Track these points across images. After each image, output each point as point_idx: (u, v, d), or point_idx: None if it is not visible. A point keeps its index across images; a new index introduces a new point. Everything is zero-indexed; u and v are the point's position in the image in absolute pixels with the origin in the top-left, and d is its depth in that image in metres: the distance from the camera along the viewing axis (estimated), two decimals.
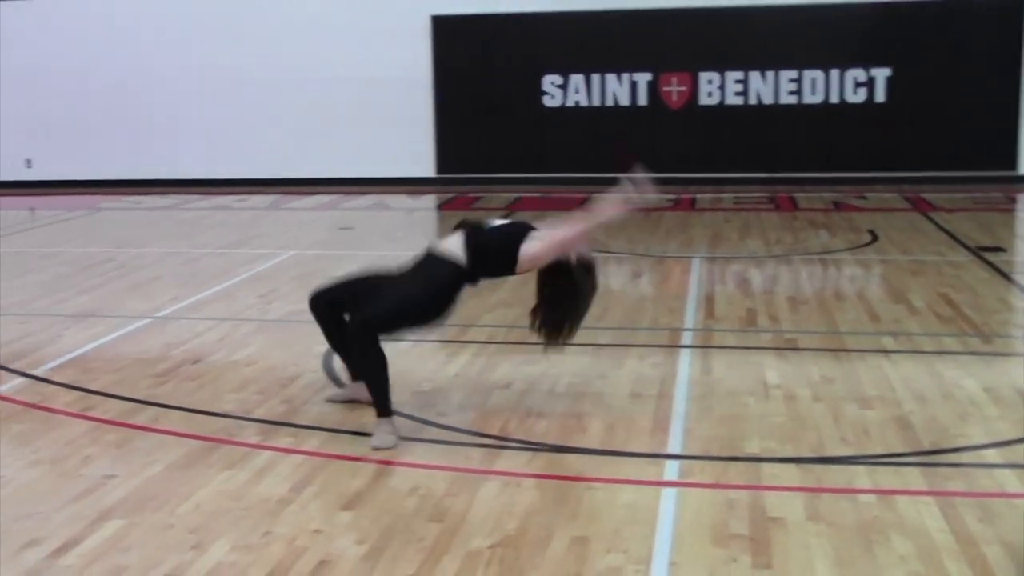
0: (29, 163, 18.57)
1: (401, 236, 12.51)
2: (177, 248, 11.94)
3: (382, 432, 5.58)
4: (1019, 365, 6.97)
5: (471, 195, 15.96)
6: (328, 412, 6.14)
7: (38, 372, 7.13)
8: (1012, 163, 15.99)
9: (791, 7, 15.98)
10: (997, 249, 10.85)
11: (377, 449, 5.49)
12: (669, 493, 4.87)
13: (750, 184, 16.09)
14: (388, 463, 5.33)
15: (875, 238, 11.68)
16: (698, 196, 15.27)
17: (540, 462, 5.31)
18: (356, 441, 5.64)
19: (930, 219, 12.92)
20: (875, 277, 9.86)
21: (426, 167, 17.03)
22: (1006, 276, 9.65)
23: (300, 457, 5.44)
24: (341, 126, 16.89)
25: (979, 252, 10.64)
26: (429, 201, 15.74)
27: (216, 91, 17.58)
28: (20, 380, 6.98)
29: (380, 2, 16.90)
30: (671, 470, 5.18)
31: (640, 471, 5.16)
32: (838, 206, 14.21)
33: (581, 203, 14.58)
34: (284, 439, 5.70)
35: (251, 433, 5.82)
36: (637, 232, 12.25)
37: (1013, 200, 14.76)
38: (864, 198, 14.90)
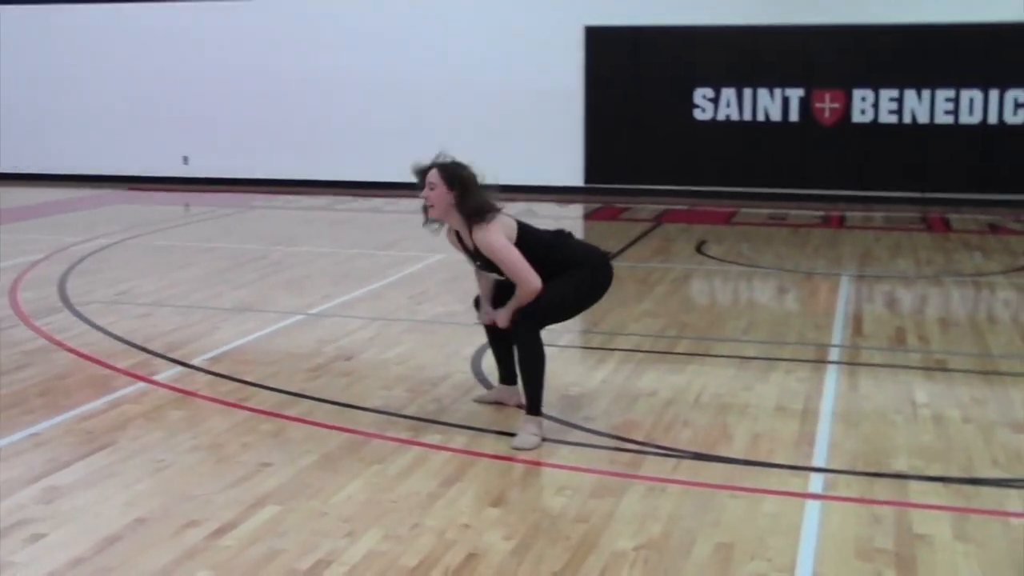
0: (186, 160, 19.15)
1: None
2: (329, 248, 12.23)
3: (527, 432, 5.69)
4: None
5: (617, 205, 16.01)
6: (476, 412, 6.26)
7: (195, 362, 7.40)
8: None
9: (948, 26, 15.68)
10: None
11: (518, 449, 5.59)
12: (813, 505, 4.88)
13: (902, 203, 15.84)
14: (535, 463, 5.43)
15: None
16: (848, 214, 15.10)
17: (684, 469, 5.35)
18: (503, 441, 5.75)
19: None
20: None
21: (575, 176, 17.13)
22: None
23: (448, 454, 5.57)
24: (493, 133, 17.07)
25: None
26: (576, 210, 15.83)
27: (372, 96, 17.91)
28: (178, 369, 7.25)
29: (534, 13, 17.07)
30: (816, 483, 5.19)
31: (784, 482, 5.17)
32: (994, 228, 13.92)
33: (728, 217, 14.57)
34: (433, 436, 5.84)
35: (401, 429, 5.97)
36: (785, 248, 12.20)
37: None
38: (1022, 221, 14.57)
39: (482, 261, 5.87)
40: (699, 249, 12.07)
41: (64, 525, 4.74)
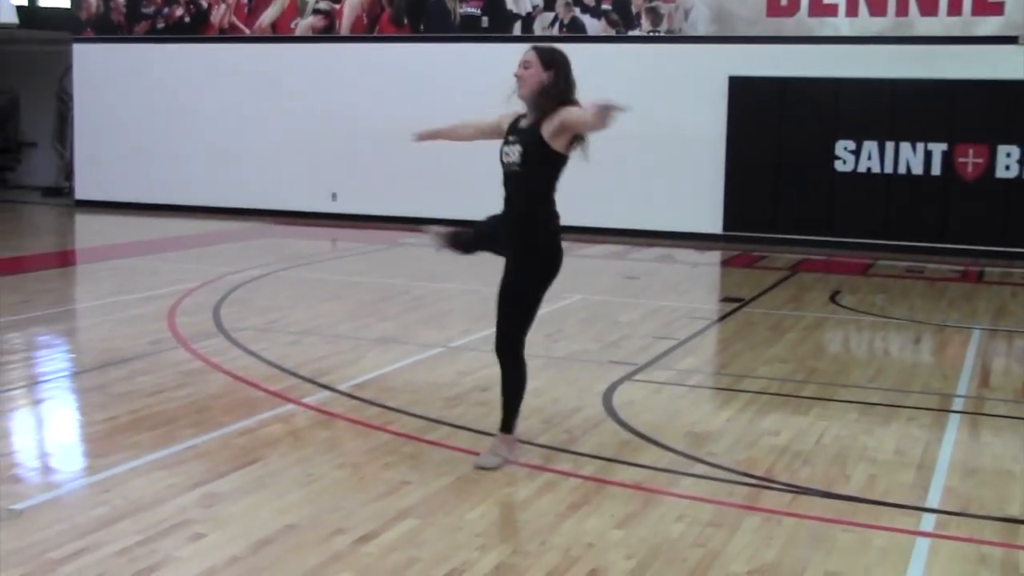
0: (334, 196, 19.83)
1: (685, 288, 12.90)
2: (472, 285, 12.65)
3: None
4: None
5: (755, 253, 16.20)
6: (605, 443, 6.57)
7: (342, 387, 7.85)
8: None
9: None
10: None
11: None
12: (922, 542, 5.11)
13: None
14: (658, 491, 5.73)
15: None
16: (986, 269, 15.07)
17: (801, 503, 5.61)
18: (631, 471, 6.06)
19: None
20: None
21: (714, 223, 17.36)
22: None
23: (577, 480, 5.90)
24: (634, 178, 17.41)
25: None
26: (714, 257, 16.06)
27: None
28: (326, 393, 7.70)
29: (682, 63, 17.37)
30: (927, 522, 5.40)
31: (895, 520, 5.40)
32: None
33: (865, 268, 14.67)
34: (564, 464, 6.18)
35: (533, 456, 6.32)
36: (920, 301, 12.29)
37: None
38: None
39: (524, 149, 5.93)
40: (833, 299, 12.23)
41: (222, 527, 5.17)
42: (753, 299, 11.93)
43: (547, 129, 5.86)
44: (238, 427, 6.81)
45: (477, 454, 6.27)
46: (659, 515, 5.39)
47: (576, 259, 15.46)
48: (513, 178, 6.04)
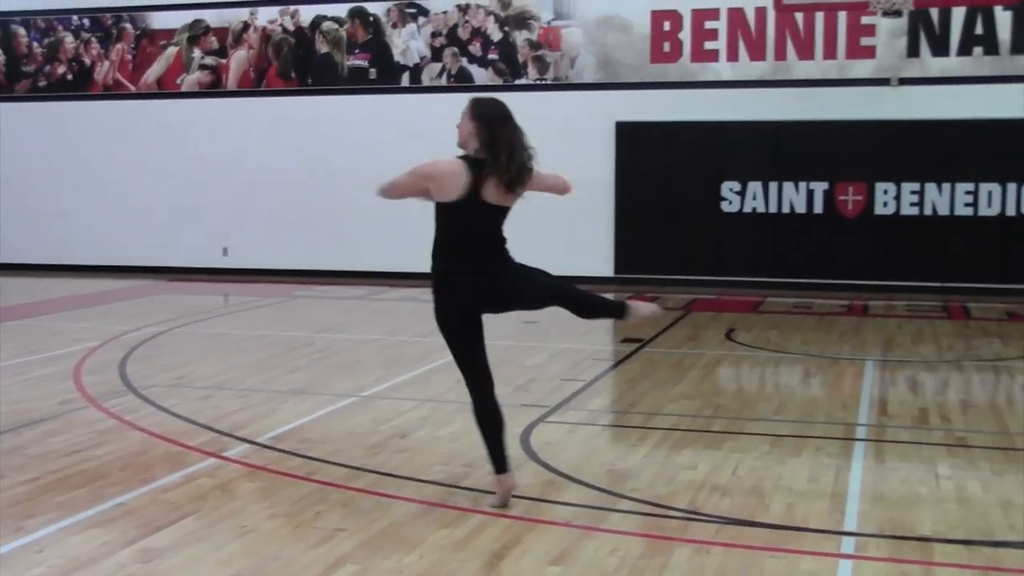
0: (225, 251, 19.77)
1: (584, 331, 13.11)
2: (374, 335, 12.78)
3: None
4: None
5: (648, 294, 16.52)
6: (531, 484, 6.73)
7: (261, 440, 7.90)
8: None
9: (967, 122, 16.30)
10: None
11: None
12: (846, 564, 5.36)
13: (923, 292, 16.34)
14: (587, 528, 5.90)
15: None
16: (871, 303, 15.60)
17: (727, 533, 5.83)
18: (557, 509, 6.23)
19: None
20: None
21: (606, 266, 17.68)
22: None
23: (508, 520, 6.06)
24: (525, 223, 17.57)
25: None
26: None
27: None
28: (246, 446, 7.75)
29: (569, 110, 17.67)
30: (847, 545, 5.66)
31: (818, 544, 5.65)
32: (1012, 316, 14.41)
33: (755, 306, 15.09)
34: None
35: (462, 499, 6.46)
36: (811, 335, 12.70)
37: None
38: None
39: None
40: (728, 336, 12.58)
41: None
42: (652, 339, 12.22)
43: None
44: (163, 483, 6.83)
45: (406, 500, 6.40)
46: (593, 550, 5.56)
47: None
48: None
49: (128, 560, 5.49)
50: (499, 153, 6.07)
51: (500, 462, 6.36)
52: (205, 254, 19.76)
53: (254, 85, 19.47)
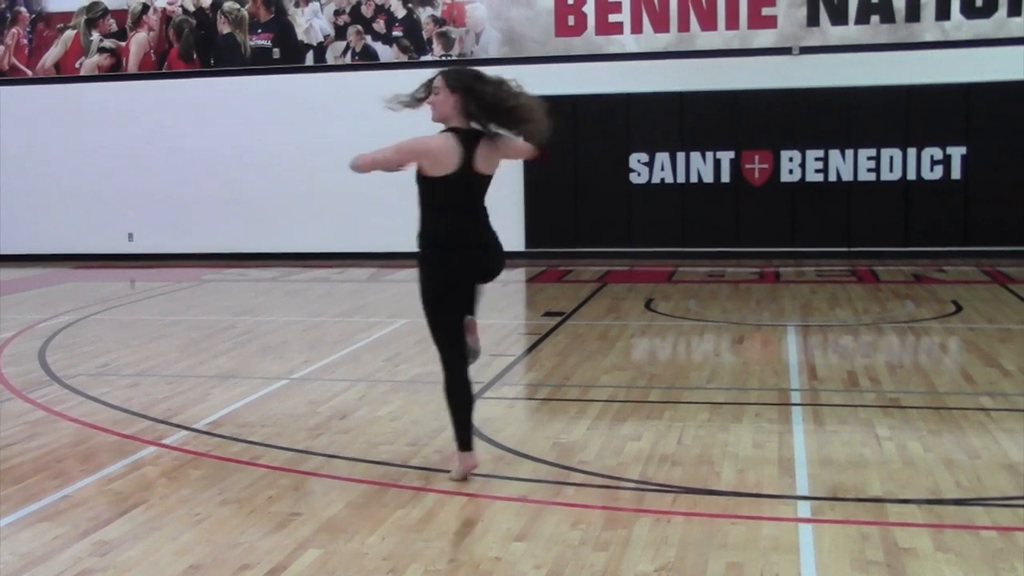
0: (131, 237, 19.45)
1: (504, 306, 13.17)
2: (295, 316, 12.67)
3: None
4: None
5: (561, 268, 16.62)
6: (480, 460, 6.72)
7: (199, 426, 7.80)
8: None
9: (867, 88, 16.62)
10: None
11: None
12: (805, 528, 5.45)
13: (831, 258, 16.65)
14: (545, 503, 5.93)
15: (959, 308, 12.19)
16: (781, 269, 15.85)
17: (683, 502, 5.89)
18: (510, 484, 6.25)
19: (1010, 291, 13.41)
20: (965, 343, 10.35)
21: (516, 241, 17.71)
22: None
23: (464, 498, 6.06)
24: None
25: None
26: (519, 274, 16.38)
27: (314, 169, 18.35)
28: (184, 433, 7.65)
29: None
30: (803, 509, 5.76)
31: (775, 509, 5.74)
32: (919, 278, 14.73)
33: (669, 275, 15.24)
34: (446, 484, 6.32)
35: (413, 478, 6.45)
36: (729, 302, 12.88)
37: None
38: (943, 271, 15.41)
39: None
40: (648, 306, 12.70)
41: (124, 573, 5.13)
42: (573, 312, 12.28)
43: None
44: (106, 473, 6.71)
45: (357, 481, 6.38)
46: (554, 524, 5.59)
47: (390, 284, 15.64)
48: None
49: (84, 553, 5.40)
50: (495, 111, 6.13)
51: (467, 440, 6.37)
52: (110, 240, 19.42)
53: (156, 68, 19.14)
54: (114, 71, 19.31)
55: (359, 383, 9.04)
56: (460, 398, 6.40)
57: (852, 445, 6.86)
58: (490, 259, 6.33)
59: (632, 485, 6.20)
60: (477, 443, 7.09)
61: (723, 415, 7.71)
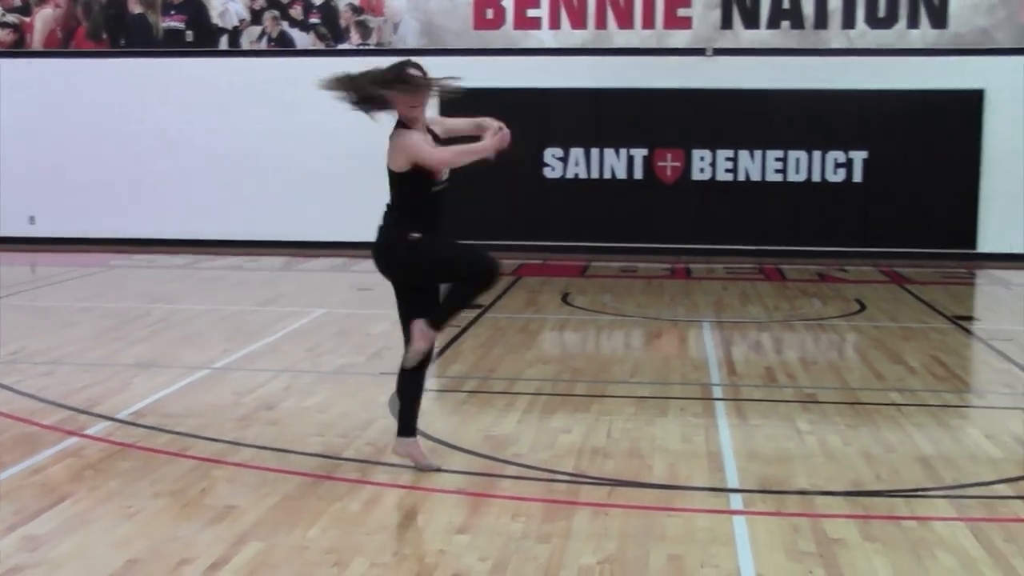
0: (32, 220, 19.05)
1: None
2: (210, 305, 12.57)
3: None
4: (1011, 416, 7.85)
5: None
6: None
7: (121, 416, 7.71)
8: (971, 241, 16.95)
9: (777, 91, 16.93)
10: (969, 318, 11.99)
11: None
12: (739, 520, 5.60)
13: (740, 255, 16.93)
14: (483, 495, 6.00)
15: (863, 307, 12.51)
16: (691, 266, 16.10)
17: (619, 495, 6.01)
18: (445, 477, 6.31)
19: (907, 290, 13.81)
20: (872, 341, 10.60)
21: None
22: (983, 341, 10.57)
23: (401, 491, 6.10)
24: (353, 192, 17.55)
25: (956, 320, 11.57)
26: None
27: (224, 156, 18.15)
28: (106, 423, 7.54)
29: None
30: (735, 501, 5.92)
31: (708, 502, 5.89)
32: (823, 277, 15.07)
33: (582, 270, 15.39)
34: (381, 476, 6.36)
35: (348, 471, 6.47)
36: (644, 298, 13.07)
37: (973, 275, 15.72)
38: (845, 271, 15.77)
39: None
40: (565, 300, 12.83)
41: (59, 570, 5.02)
42: (491, 305, 12.35)
43: None
44: (27, 465, 6.57)
45: (291, 473, 6.38)
46: (494, 517, 5.66)
47: (304, 274, 15.59)
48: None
49: (12, 549, 5.25)
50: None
51: (414, 427, 6.45)
52: (10, 223, 18.98)
53: (62, 46, 18.77)
54: (17, 48, 18.88)
55: (282, 373, 9.02)
56: (417, 385, 6.52)
57: (776, 439, 7.05)
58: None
59: (567, 478, 6.29)
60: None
61: (648, 409, 7.86)
